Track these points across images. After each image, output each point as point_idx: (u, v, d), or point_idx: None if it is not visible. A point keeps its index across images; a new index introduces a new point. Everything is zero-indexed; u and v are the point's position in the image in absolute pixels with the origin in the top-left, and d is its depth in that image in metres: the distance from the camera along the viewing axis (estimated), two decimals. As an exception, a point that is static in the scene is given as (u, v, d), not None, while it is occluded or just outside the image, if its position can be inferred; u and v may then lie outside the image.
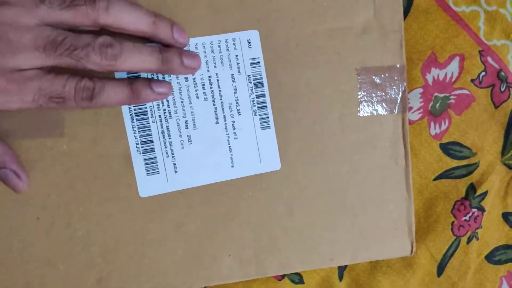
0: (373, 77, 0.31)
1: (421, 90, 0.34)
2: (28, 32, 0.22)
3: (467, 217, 0.35)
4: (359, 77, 0.31)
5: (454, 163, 0.35)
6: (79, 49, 0.23)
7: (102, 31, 0.25)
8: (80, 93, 0.24)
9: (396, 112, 0.31)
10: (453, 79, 0.34)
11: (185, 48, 0.28)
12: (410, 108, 0.34)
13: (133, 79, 0.27)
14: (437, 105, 0.34)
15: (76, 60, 0.23)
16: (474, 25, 0.34)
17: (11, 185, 0.26)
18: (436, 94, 0.34)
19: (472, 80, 0.34)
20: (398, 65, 0.31)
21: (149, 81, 0.26)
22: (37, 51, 0.22)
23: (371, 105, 0.31)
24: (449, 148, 0.35)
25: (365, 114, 0.31)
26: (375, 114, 0.31)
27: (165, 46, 0.26)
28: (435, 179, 0.35)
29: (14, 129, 0.26)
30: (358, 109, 0.31)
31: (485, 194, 0.35)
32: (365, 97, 0.31)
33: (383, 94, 0.31)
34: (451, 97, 0.34)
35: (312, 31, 0.30)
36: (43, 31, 0.22)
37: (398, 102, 0.31)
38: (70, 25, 0.23)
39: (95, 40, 0.23)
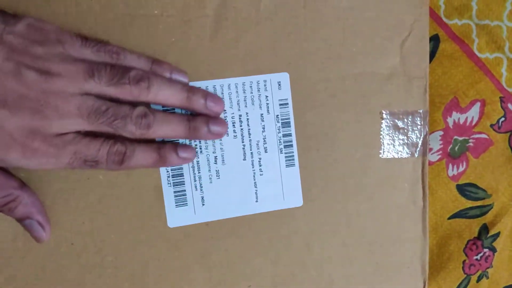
0: (396, 121, 0.31)
1: (441, 132, 0.34)
2: (74, 101, 0.23)
3: (478, 257, 0.36)
4: (382, 121, 0.31)
5: (469, 203, 0.35)
6: (118, 119, 0.24)
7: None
8: (112, 157, 0.25)
9: (416, 155, 0.32)
10: (473, 123, 0.34)
11: (220, 84, 0.29)
12: (430, 149, 0.34)
13: (161, 144, 0.28)
14: (456, 147, 0.34)
15: (114, 129, 0.24)
16: (496, 71, 0.34)
17: (34, 235, 0.27)
18: (455, 137, 0.34)
19: (492, 125, 0.34)
20: (421, 111, 0.32)
21: (176, 146, 0.28)
22: (80, 118, 0.24)
23: (393, 148, 0.32)
24: (465, 189, 0.35)
25: (387, 156, 0.31)
26: (396, 157, 0.32)
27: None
28: (449, 218, 0.35)
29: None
30: (380, 151, 0.31)
31: (497, 235, 0.36)
32: (387, 139, 0.31)
33: (405, 137, 0.32)
34: (470, 140, 0.35)
35: (340, 75, 0.31)
36: (87, 101, 0.24)
37: (419, 146, 0.32)
38: (113, 98, 0.25)
39: (132, 111, 0.25)
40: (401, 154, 0.32)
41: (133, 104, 0.25)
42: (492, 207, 0.35)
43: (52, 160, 0.24)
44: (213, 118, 0.28)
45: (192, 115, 0.28)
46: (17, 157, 0.23)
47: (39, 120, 0.23)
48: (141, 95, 0.25)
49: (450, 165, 0.35)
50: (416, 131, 0.32)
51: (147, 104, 0.27)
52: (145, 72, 0.25)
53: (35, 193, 0.27)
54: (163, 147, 0.27)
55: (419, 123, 0.32)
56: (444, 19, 0.34)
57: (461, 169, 0.35)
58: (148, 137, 0.26)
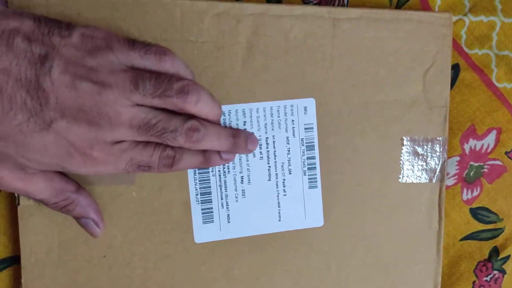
0: (416, 147, 0.32)
1: (458, 158, 0.35)
2: (126, 112, 0.24)
3: (488, 278, 0.36)
4: (403, 147, 0.32)
5: (481, 226, 0.36)
6: (168, 133, 0.25)
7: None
8: (163, 161, 0.26)
9: (434, 181, 0.33)
10: (489, 150, 0.35)
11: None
12: (447, 174, 0.35)
13: None
14: (472, 173, 0.35)
15: (162, 140, 0.25)
16: (513, 101, 0.35)
17: (90, 231, 0.28)
18: (471, 162, 0.35)
19: (506, 152, 0.35)
20: (440, 138, 0.33)
21: None
22: (131, 129, 0.24)
23: (412, 173, 0.32)
24: (478, 213, 0.36)
25: (406, 181, 0.32)
26: (415, 182, 0.32)
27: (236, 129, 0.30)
28: (461, 240, 0.36)
29: (92, 176, 0.29)
30: (400, 175, 0.32)
31: (507, 258, 0.36)
32: (407, 165, 0.32)
33: (424, 163, 0.33)
34: (485, 166, 0.35)
35: (364, 101, 0.31)
36: (139, 113, 0.24)
37: (438, 172, 0.33)
38: (161, 108, 0.25)
39: (183, 124, 0.25)
40: (419, 179, 0.33)
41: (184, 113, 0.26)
42: (503, 231, 0.36)
43: (110, 167, 0.25)
44: (251, 136, 0.29)
45: (235, 131, 0.29)
46: (77, 166, 0.25)
47: (96, 131, 0.24)
48: (187, 108, 0.26)
49: (465, 190, 0.35)
50: (435, 158, 0.33)
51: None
52: (190, 83, 0.26)
53: (90, 194, 0.28)
54: (207, 150, 0.28)
55: (438, 150, 0.33)
56: (465, 49, 0.34)
57: (475, 193, 0.36)
58: (194, 149, 0.27)
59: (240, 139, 0.29)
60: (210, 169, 0.30)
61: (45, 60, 0.23)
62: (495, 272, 0.37)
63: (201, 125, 0.26)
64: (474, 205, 0.36)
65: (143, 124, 0.24)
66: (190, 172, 0.30)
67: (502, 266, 0.37)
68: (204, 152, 0.28)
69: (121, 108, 0.24)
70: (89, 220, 0.28)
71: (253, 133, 0.30)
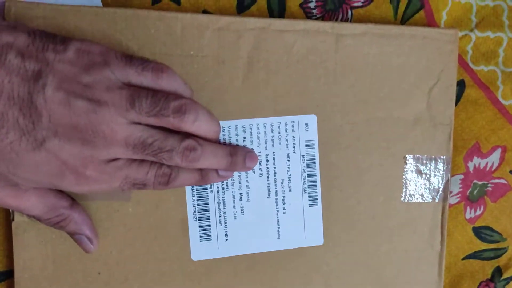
0: (420, 165, 0.31)
1: (462, 176, 0.34)
2: (121, 131, 0.23)
3: (491, 298, 0.36)
4: (406, 165, 0.31)
5: (484, 245, 0.35)
6: (164, 152, 0.24)
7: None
8: (159, 179, 0.25)
9: (437, 201, 0.32)
10: (493, 169, 0.34)
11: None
12: (450, 192, 0.34)
13: None
14: (475, 191, 0.34)
15: (158, 159, 0.24)
16: (519, 119, 0.34)
17: (83, 248, 0.27)
18: (475, 181, 0.34)
19: (511, 171, 0.34)
20: (444, 157, 0.32)
21: None
22: (126, 148, 0.24)
23: (414, 192, 0.32)
24: (481, 232, 0.35)
25: (408, 200, 0.32)
26: (417, 201, 0.32)
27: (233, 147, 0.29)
28: (464, 259, 0.35)
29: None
30: (402, 194, 0.31)
31: (511, 278, 0.36)
32: (409, 184, 0.31)
33: (427, 182, 0.32)
34: (489, 185, 0.34)
35: (366, 118, 0.31)
36: (134, 131, 0.24)
37: (441, 191, 0.32)
38: (157, 126, 0.25)
39: (180, 144, 0.24)
40: (422, 199, 0.32)
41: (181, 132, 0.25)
42: (506, 251, 0.35)
43: (104, 186, 0.25)
44: (249, 154, 0.29)
45: (233, 148, 0.28)
46: (70, 185, 0.24)
47: (90, 149, 0.23)
48: (184, 128, 0.25)
49: (468, 208, 0.35)
50: (438, 177, 0.32)
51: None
52: (187, 102, 0.25)
53: (85, 210, 0.28)
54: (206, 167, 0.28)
55: (441, 169, 0.32)
56: (471, 65, 0.33)
57: (478, 212, 0.35)
58: (192, 167, 0.26)
59: (238, 157, 0.28)
60: (209, 186, 0.29)
61: (39, 76, 0.22)
62: (497, 292, 0.36)
63: (198, 144, 0.25)
64: (477, 224, 0.35)
65: (138, 143, 0.24)
66: (188, 188, 0.29)
67: (505, 287, 0.36)
68: (201, 169, 0.27)
69: (117, 127, 0.23)
70: (82, 237, 0.27)
71: (252, 149, 0.29)
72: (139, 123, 0.24)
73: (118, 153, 0.24)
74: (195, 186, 0.29)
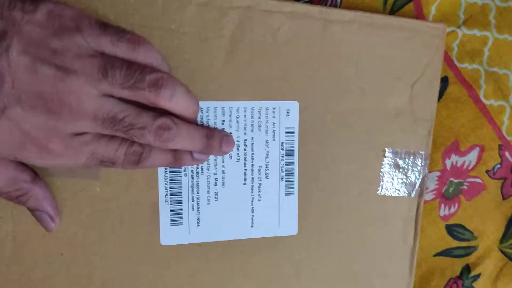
0: (398, 159, 0.31)
1: (438, 173, 0.34)
2: (90, 103, 0.21)
3: (458, 295, 0.36)
4: (384, 158, 0.31)
5: (455, 243, 0.36)
6: (135, 129, 0.23)
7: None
8: (129, 157, 0.24)
9: (413, 195, 0.32)
10: (470, 167, 0.34)
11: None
12: (426, 188, 0.34)
13: None
14: (451, 189, 0.34)
15: (129, 137, 0.23)
16: (499, 119, 0.34)
17: (44, 225, 0.26)
18: (451, 179, 0.34)
19: (487, 171, 0.34)
20: (423, 152, 0.31)
21: None
22: (95, 122, 0.22)
23: (391, 186, 0.31)
24: (453, 230, 0.35)
25: (384, 193, 0.31)
26: (393, 195, 0.31)
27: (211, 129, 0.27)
28: (435, 255, 0.36)
29: (53, 169, 0.26)
30: (379, 187, 0.31)
31: (478, 276, 0.36)
32: (387, 177, 0.31)
33: (405, 177, 0.31)
34: (465, 183, 0.34)
35: (348, 109, 0.30)
36: (105, 104, 0.22)
37: (417, 187, 0.32)
38: (131, 100, 0.23)
39: (153, 121, 0.23)
40: (398, 193, 0.31)
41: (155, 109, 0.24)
42: (476, 249, 0.36)
43: (69, 161, 0.23)
44: (226, 138, 0.27)
45: (210, 130, 0.27)
46: (32, 157, 0.22)
47: (55, 121, 0.21)
48: (159, 103, 0.23)
49: (443, 205, 0.35)
50: (415, 172, 0.31)
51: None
52: (164, 76, 0.23)
53: (47, 186, 0.26)
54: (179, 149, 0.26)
55: (419, 164, 0.31)
56: (455, 62, 0.33)
57: (452, 210, 0.35)
58: (164, 148, 0.25)
59: (215, 141, 0.27)
60: (183, 168, 0.28)
61: (3, 37, 0.20)
62: (465, 289, 0.36)
63: (173, 123, 0.24)
64: (450, 222, 0.35)
65: (108, 117, 0.22)
66: (161, 170, 0.28)
67: (472, 284, 0.36)
68: (174, 150, 0.26)
69: (86, 98, 0.21)
70: (43, 214, 0.25)
71: (230, 133, 0.28)
72: (111, 96, 0.22)
73: (86, 127, 0.22)
74: (168, 168, 0.28)
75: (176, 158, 0.26)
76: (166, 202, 0.28)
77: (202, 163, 0.28)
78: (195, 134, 0.25)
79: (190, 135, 0.25)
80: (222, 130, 0.28)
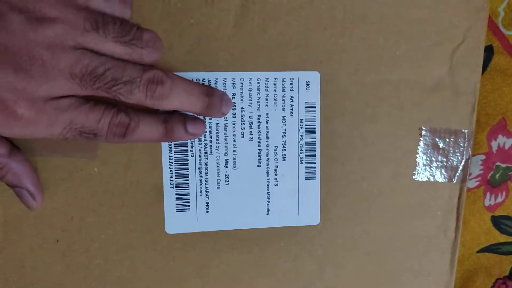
0: (437, 139, 0.26)
1: (483, 157, 0.29)
2: (65, 57, 0.18)
3: (507, 298, 0.31)
4: (421, 138, 0.26)
5: (503, 238, 0.30)
6: (121, 84, 0.19)
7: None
8: (114, 129, 0.20)
9: (454, 181, 0.27)
10: (520, 150, 0.29)
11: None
12: (469, 174, 0.29)
13: (168, 115, 0.23)
14: (497, 175, 0.29)
15: (114, 96, 0.19)
16: (554, 94, 0.29)
17: (24, 202, 0.23)
18: (498, 163, 0.29)
19: (541, 154, 0.29)
20: (466, 131, 0.27)
21: (184, 119, 0.23)
22: (71, 81, 0.19)
23: (429, 170, 0.27)
24: (500, 222, 0.30)
25: (421, 179, 0.27)
26: (432, 180, 0.27)
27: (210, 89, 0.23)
28: (479, 252, 0.30)
29: (45, 144, 0.23)
30: (414, 171, 0.26)
31: (531, 276, 0.31)
32: (424, 160, 0.26)
33: (445, 159, 0.27)
34: (514, 169, 0.29)
35: (378, 80, 0.26)
36: (81, 58, 0.19)
37: (459, 171, 0.27)
38: (117, 57, 0.20)
39: (142, 74, 0.19)
40: (437, 178, 0.27)
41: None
42: (528, 245, 0.30)
43: (41, 130, 0.20)
44: (225, 97, 0.24)
45: (208, 87, 0.23)
46: None
47: (24, 80, 0.18)
48: (154, 63, 0.20)
49: (488, 194, 0.30)
50: (457, 154, 0.27)
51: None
52: (159, 38, 0.20)
53: (27, 160, 0.23)
54: (171, 120, 0.22)
55: (462, 145, 0.27)
56: (502, 29, 0.28)
57: (499, 199, 0.30)
58: (160, 108, 0.21)
59: (215, 99, 0.23)
60: (189, 147, 0.25)
61: None
62: (515, 291, 0.31)
63: (166, 76, 0.20)
64: (497, 213, 0.30)
65: (87, 72, 0.18)
66: (165, 149, 0.24)
67: (524, 286, 0.31)
68: (165, 122, 0.22)
69: (61, 52, 0.18)
70: (23, 190, 0.22)
71: (225, 92, 0.24)
72: (90, 51, 0.19)
73: (62, 88, 0.19)
74: (173, 147, 0.24)
75: (168, 130, 0.22)
76: (171, 185, 0.25)
77: (196, 138, 0.24)
78: (193, 90, 0.22)
79: (188, 90, 0.21)
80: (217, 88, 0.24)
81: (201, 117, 0.24)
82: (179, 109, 0.22)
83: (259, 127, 0.25)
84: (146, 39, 0.20)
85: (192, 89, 0.22)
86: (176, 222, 0.25)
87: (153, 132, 0.22)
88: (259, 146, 0.25)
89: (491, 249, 0.31)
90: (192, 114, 0.24)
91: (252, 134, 0.25)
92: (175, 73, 0.23)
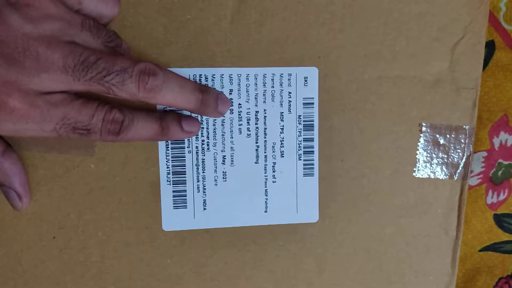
0: (437, 136, 0.26)
1: (485, 154, 0.28)
2: (60, 49, 0.18)
3: (510, 297, 0.30)
4: (421, 134, 0.26)
5: (506, 236, 0.29)
6: (113, 74, 0.18)
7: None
8: (108, 125, 0.20)
9: (456, 178, 0.26)
10: (523, 147, 0.28)
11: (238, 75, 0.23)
12: (470, 171, 0.28)
13: (163, 113, 0.22)
14: (499, 172, 0.28)
15: (106, 88, 0.19)
16: (557, 90, 0.28)
17: (10, 203, 0.22)
18: (500, 160, 0.28)
19: (544, 151, 0.28)
20: (467, 127, 0.26)
21: (180, 117, 0.22)
22: (65, 73, 0.18)
23: (429, 167, 0.26)
24: (503, 220, 0.29)
25: (421, 176, 0.26)
26: (432, 177, 0.26)
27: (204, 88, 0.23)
28: (481, 250, 0.30)
29: (42, 141, 0.23)
30: (414, 168, 0.26)
31: (535, 276, 0.30)
32: (424, 156, 0.26)
33: (445, 156, 0.26)
34: (517, 166, 0.28)
35: (377, 76, 0.25)
36: (74, 49, 0.18)
37: (460, 168, 0.26)
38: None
39: (134, 65, 0.19)
40: (438, 175, 0.26)
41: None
42: (532, 244, 0.29)
43: (33, 126, 0.19)
44: (221, 96, 0.23)
45: (203, 85, 0.23)
46: None
47: (17, 72, 0.18)
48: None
49: (490, 192, 0.29)
50: (458, 150, 0.26)
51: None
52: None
53: (18, 161, 0.22)
54: (166, 118, 0.22)
55: (463, 141, 0.26)
56: (503, 24, 0.27)
57: (501, 197, 0.29)
58: (153, 103, 0.20)
59: (210, 96, 0.22)
60: (186, 144, 0.24)
61: None
62: (518, 291, 0.30)
63: (158, 68, 0.19)
64: (499, 211, 0.29)
65: (79, 62, 0.18)
66: (162, 145, 0.24)
67: (528, 285, 0.30)
68: (160, 120, 0.21)
69: (56, 45, 0.17)
70: (10, 191, 0.22)
71: (222, 91, 0.24)
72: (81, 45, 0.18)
73: (54, 81, 0.18)
74: (170, 143, 0.24)
75: (163, 128, 0.21)
76: (168, 182, 0.24)
77: (192, 136, 0.23)
78: (186, 85, 0.21)
79: (181, 85, 0.21)
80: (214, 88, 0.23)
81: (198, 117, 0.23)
82: (173, 106, 0.21)
83: (256, 124, 0.24)
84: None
85: (186, 84, 0.21)
86: (173, 219, 0.24)
87: (148, 130, 0.21)
88: (256, 142, 0.25)
89: (493, 248, 0.30)
90: (189, 114, 0.23)
91: (249, 131, 0.24)
92: (171, 69, 0.22)
